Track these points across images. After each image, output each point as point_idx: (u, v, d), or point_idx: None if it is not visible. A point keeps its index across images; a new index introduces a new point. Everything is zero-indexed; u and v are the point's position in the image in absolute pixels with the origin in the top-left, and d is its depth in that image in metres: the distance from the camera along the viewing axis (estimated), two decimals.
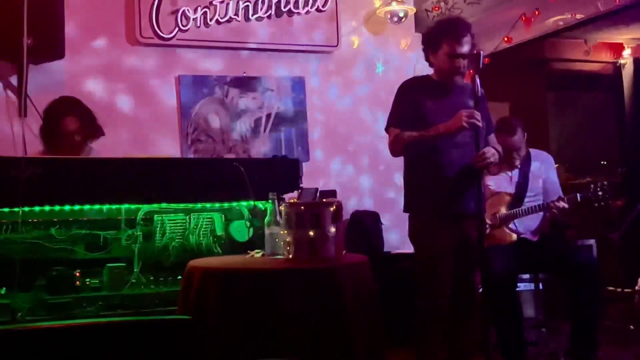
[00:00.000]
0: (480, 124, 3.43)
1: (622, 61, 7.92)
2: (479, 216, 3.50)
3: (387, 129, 3.74)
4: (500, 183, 4.65)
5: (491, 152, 3.50)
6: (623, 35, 7.68)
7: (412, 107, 3.64)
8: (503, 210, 4.58)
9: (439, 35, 3.65)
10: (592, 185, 4.36)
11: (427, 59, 3.80)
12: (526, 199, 4.57)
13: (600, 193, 4.32)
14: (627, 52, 7.90)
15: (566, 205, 4.39)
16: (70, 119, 4.15)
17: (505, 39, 6.19)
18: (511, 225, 4.55)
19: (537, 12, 5.83)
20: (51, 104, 4.28)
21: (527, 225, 4.56)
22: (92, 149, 4.26)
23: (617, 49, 7.95)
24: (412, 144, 3.59)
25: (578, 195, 4.39)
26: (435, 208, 3.60)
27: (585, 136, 7.79)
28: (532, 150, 4.73)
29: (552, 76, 7.85)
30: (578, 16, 5.90)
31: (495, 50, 6.28)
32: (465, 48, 3.56)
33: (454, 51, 3.55)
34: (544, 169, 4.66)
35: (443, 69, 3.65)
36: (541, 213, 4.54)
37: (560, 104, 7.94)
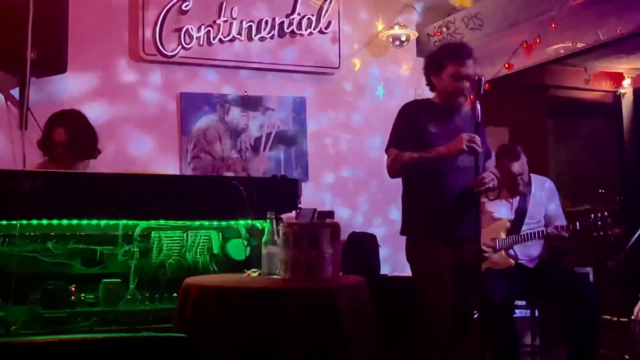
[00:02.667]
0: (480, 149, 3.44)
1: (622, 90, 7.95)
2: (477, 240, 3.50)
3: (387, 150, 3.75)
4: (501, 209, 4.65)
5: (490, 177, 3.51)
6: (623, 65, 7.72)
7: (413, 129, 3.65)
8: (502, 236, 4.58)
9: (442, 57, 3.69)
10: (592, 215, 4.36)
11: (428, 82, 3.82)
12: (525, 226, 4.57)
13: (599, 223, 4.33)
14: (627, 82, 7.93)
15: (565, 234, 4.40)
16: (60, 130, 4.15)
17: (506, 65, 6.22)
18: (510, 251, 4.55)
19: (538, 40, 5.86)
20: (54, 113, 4.30)
21: (527, 252, 4.56)
22: (89, 164, 4.26)
23: (617, 78, 7.98)
24: (412, 165, 3.60)
25: (577, 223, 4.40)
26: (434, 231, 3.60)
27: (584, 163, 7.80)
28: (534, 177, 4.74)
29: (552, 103, 7.87)
30: (579, 45, 5.93)
31: (496, 76, 6.31)
32: (469, 70, 3.60)
33: (458, 72, 3.58)
34: (546, 196, 4.67)
35: (447, 90, 3.66)
36: (542, 241, 4.54)
37: (560, 131, 7.96)
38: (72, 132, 4.17)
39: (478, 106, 3.46)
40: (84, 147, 4.22)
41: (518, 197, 4.65)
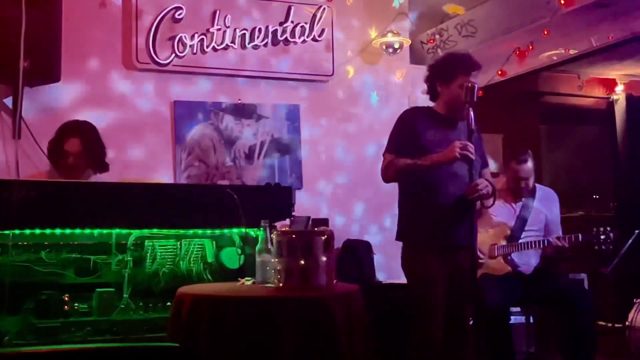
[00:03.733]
0: (473, 156, 3.44)
1: (614, 97, 7.99)
2: (472, 247, 3.50)
3: (383, 155, 3.76)
4: (503, 214, 4.65)
5: (484, 184, 3.51)
6: (616, 71, 7.76)
7: (411, 136, 3.66)
8: (502, 242, 4.58)
9: (454, 67, 3.68)
10: (594, 229, 4.36)
11: (430, 91, 3.81)
12: (525, 233, 4.57)
13: (602, 237, 4.33)
14: (619, 88, 7.97)
15: (566, 245, 4.40)
16: (74, 140, 4.17)
17: (500, 72, 6.24)
18: (509, 258, 4.55)
19: (531, 47, 5.88)
20: (67, 122, 4.30)
21: (525, 259, 4.56)
22: (91, 175, 4.26)
23: (610, 84, 8.02)
24: (405, 171, 3.60)
25: (580, 235, 4.39)
26: (429, 238, 3.60)
27: (578, 169, 7.83)
28: (539, 186, 4.75)
29: (546, 109, 7.91)
30: (572, 51, 5.96)
31: (489, 83, 6.32)
32: (478, 81, 3.61)
33: (469, 83, 3.57)
34: (548, 206, 4.68)
35: (455, 100, 3.64)
36: (540, 250, 4.54)
37: (553, 137, 7.99)
38: (87, 144, 4.18)
39: (472, 113, 3.47)
40: (95, 159, 4.22)
41: (521, 203, 4.65)
